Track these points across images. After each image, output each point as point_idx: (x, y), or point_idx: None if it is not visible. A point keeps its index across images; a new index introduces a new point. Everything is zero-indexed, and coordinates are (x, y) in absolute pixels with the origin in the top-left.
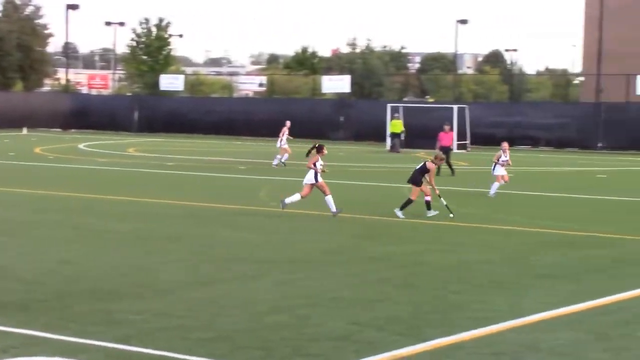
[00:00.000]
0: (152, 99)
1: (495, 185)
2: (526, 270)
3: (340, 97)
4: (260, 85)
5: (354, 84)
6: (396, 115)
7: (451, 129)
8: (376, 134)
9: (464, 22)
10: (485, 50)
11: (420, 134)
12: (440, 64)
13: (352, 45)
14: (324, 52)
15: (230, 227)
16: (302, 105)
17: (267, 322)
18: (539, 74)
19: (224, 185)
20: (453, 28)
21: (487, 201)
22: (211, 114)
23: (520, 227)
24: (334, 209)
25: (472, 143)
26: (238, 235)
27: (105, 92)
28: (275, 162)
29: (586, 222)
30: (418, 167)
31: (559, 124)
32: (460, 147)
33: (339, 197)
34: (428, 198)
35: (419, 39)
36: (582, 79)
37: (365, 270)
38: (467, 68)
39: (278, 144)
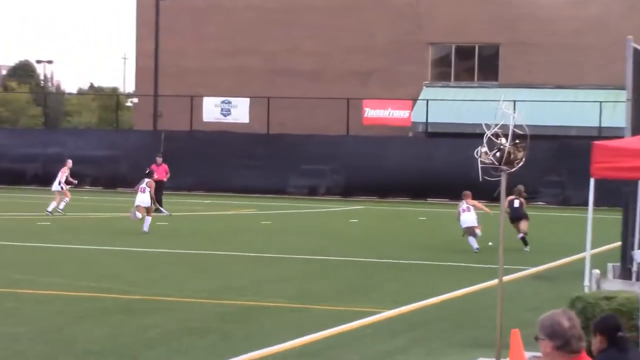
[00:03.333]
0: None
1: None
2: (65, 347)
3: None
4: None
5: None
6: None
7: (163, 161)
8: None
9: None
10: (11, 61)
11: None
12: None
13: None
14: None
15: None
16: None
17: None
18: (81, 92)
19: None
20: None
21: (8, 258)
22: None
23: (58, 291)
24: (146, 229)
25: None
26: None
27: None
28: (50, 207)
29: (146, 283)
30: (517, 205)
31: (109, 157)
32: None
33: None
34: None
35: None
36: (136, 100)
37: None
38: None
39: (54, 187)
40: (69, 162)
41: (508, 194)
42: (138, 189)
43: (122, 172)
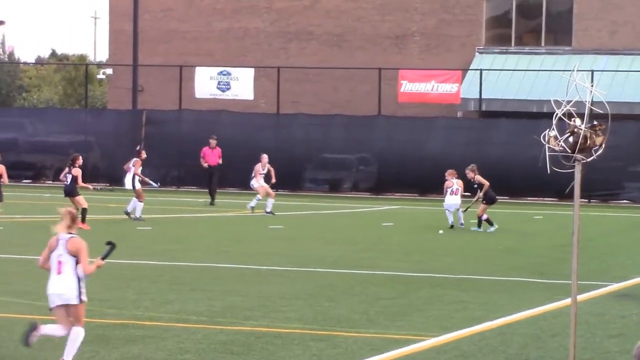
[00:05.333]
0: None
1: None
2: None
3: None
4: None
5: None
6: None
7: (217, 144)
8: None
9: None
10: None
11: None
12: None
13: None
14: None
15: None
16: None
17: None
18: (41, 62)
19: None
20: None
21: None
22: None
23: (14, 313)
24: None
25: None
26: None
27: None
28: (268, 210)
29: (123, 303)
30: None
31: (76, 143)
32: None
33: None
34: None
35: None
36: (110, 71)
37: None
38: None
39: (255, 183)
40: (264, 158)
41: (583, 189)
42: (126, 168)
43: (93, 163)
